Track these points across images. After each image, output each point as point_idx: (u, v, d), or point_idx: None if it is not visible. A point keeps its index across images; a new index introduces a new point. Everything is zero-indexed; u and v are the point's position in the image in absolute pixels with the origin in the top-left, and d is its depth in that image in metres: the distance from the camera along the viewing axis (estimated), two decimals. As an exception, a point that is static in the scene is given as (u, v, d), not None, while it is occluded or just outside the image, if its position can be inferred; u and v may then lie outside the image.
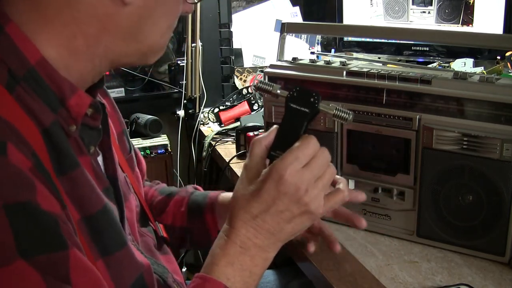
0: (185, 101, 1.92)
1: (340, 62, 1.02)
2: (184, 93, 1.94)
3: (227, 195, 0.96)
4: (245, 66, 2.13)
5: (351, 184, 1.01)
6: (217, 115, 1.77)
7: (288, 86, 0.79)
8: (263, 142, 0.71)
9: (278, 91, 0.76)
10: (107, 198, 0.68)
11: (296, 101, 0.71)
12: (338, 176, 0.75)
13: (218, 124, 1.77)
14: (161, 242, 0.89)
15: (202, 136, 1.76)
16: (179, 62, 2.08)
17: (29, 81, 0.59)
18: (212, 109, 1.81)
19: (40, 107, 0.59)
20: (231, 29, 2.04)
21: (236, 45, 2.09)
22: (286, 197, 0.66)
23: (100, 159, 0.72)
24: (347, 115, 0.73)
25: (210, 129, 1.77)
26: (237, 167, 1.41)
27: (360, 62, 1.06)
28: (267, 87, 0.77)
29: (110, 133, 0.74)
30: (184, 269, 2.00)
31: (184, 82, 1.93)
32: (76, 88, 0.62)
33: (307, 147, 0.68)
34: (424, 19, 1.71)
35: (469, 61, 1.57)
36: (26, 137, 0.56)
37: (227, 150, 1.57)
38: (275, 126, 0.72)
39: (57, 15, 0.60)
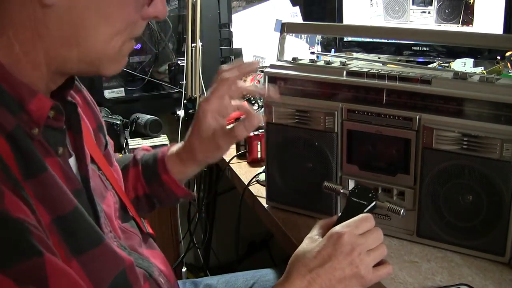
0: (185, 101, 1.92)
1: (340, 62, 1.02)
2: (184, 93, 1.93)
3: (174, 147, 1.03)
4: (245, 66, 2.12)
5: (351, 184, 1.01)
6: (217, 115, 1.77)
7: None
8: (324, 223, 0.81)
9: (342, 190, 0.93)
10: (78, 200, 0.67)
11: (356, 196, 0.83)
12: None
13: (218, 124, 1.76)
14: (146, 237, 0.89)
15: (202, 136, 1.75)
16: (179, 62, 2.07)
17: None
18: (212, 109, 1.80)
19: (1, 112, 0.59)
20: (231, 29, 2.03)
21: (236, 45, 2.08)
22: (341, 255, 0.72)
23: (72, 160, 0.72)
24: (399, 209, 0.84)
25: (210, 129, 1.76)
26: (237, 167, 1.41)
27: (360, 62, 1.06)
28: (333, 186, 0.95)
29: (82, 133, 0.74)
30: (184, 269, 2.00)
31: (184, 82, 1.93)
32: (35, 92, 0.62)
33: (365, 220, 0.76)
34: (424, 19, 1.71)
35: (469, 61, 1.57)
36: None
37: (227, 150, 1.56)
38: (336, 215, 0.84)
39: None
